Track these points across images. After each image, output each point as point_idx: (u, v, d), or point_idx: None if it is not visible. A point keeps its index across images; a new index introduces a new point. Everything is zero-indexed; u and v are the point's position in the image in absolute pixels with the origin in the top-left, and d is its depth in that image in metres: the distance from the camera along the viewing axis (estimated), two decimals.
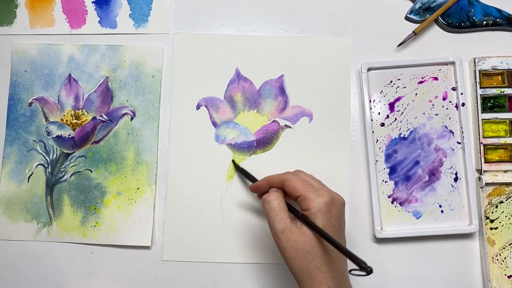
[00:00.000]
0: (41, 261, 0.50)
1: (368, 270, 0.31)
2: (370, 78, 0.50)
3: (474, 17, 0.50)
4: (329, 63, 0.51)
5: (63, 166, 0.51)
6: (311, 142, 0.50)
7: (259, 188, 0.44)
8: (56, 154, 0.51)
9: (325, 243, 0.37)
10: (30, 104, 0.52)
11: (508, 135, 0.49)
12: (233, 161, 0.50)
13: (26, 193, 0.51)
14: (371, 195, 0.48)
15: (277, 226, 0.38)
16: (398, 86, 0.50)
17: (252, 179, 0.47)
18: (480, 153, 0.48)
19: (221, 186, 0.50)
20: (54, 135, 0.51)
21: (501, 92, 0.49)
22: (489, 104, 0.49)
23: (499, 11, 0.50)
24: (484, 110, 0.49)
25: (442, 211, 0.49)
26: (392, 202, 0.49)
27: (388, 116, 0.50)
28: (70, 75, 0.52)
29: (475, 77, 0.49)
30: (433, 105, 0.50)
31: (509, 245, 0.48)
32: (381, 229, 0.48)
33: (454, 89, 0.50)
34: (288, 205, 0.40)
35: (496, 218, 0.48)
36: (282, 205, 0.39)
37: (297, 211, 0.39)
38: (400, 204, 0.49)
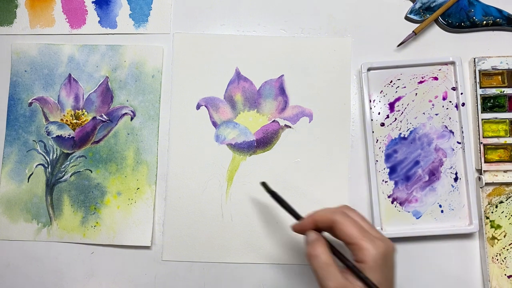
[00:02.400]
0: (41, 261, 0.50)
1: None
2: (370, 78, 0.50)
3: (474, 17, 0.50)
4: (329, 63, 0.51)
5: (63, 166, 0.51)
6: (311, 142, 0.50)
7: (304, 228, 0.38)
8: (56, 154, 0.51)
9: None
10: (30, 104, 0.52)
11: (508, 135, 0.49)
12: (263, 183, 0.44)
13: (26, 193, 0.51)
14: (371, 195, 0.48)
15: (329, 284, 0.34)
16: (398, 86, 0.50)
17: (292, 211, 0.41)
18: (480, 153, 0.48)
19: (221, 186, 0.50)
20: (54, 135, 0.51)
21: (501, 92, 0.49)
22: (489, 104, 0.49)
23: (499, 11, 0.50)
24: (484, 110, 0.49)
25: (442, 211, 0.49)
26: (392, 202, 0.49)
27: (388, 116, 0.50)
28: (70, 75, 0.52)
29: (475, 77, 0.49)
30: (433, 105, 0.50)
31: (509, 245, 0.48)
32: (381, 229, 0.48)
33: (454, 89, 0.50)
34: (338, 252, 0.37)
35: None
36: (331, 260, 0.35)
37: (347, 261, 0.35)
38: (400, 204, 0.49)
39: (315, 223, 0.38)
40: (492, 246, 0.48)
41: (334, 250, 0.37)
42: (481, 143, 0.48)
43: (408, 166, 0.49)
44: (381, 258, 0.34)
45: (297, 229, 0.40)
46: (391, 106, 0.50)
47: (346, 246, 0.36)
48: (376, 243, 0.34)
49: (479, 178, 0.48)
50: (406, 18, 0.51)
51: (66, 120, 0.52)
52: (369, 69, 0.50)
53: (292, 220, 0.41)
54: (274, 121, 0.51)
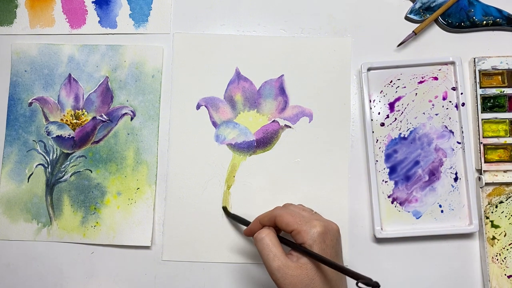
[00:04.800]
0: (41, 261, 0.50)
1: (375, 285, 0.31)
2: (370, 78, 0.50)
3: (474, 17, 0.50)
4: (329, 63, 0.51)
5: (63, 166, 0.51)
6: (311, 142, 0.50)
7: (253, 231, 0.42)
8: (56, 154, 0.51)
9: (321, 274, 0.37)
10: (30, 104, 0.52)
11: (508, 135, 0.49)
12: (224, 208, 0.50)
13: (26, 193, 0.51)
14: (371, 195, 0.48)
15: (273, 264, 0.37)
16: (398, 86, 0.50)
17: (245, 222, 0.46)
18: (480, 153, 0.48)
19: (221, 186, 0.50)
20: (54, 135, 0.51)
21: (501, 92, 0.49)
22: (489, 104, 0.49)
23: (499, 11, 0.50)
24: (484, 110, 0.49)
25: (442, 211, 0.49)
26: (392, 202, 0.49)
27: (388, 116, 0.50)
28: (70, 75, 0.52)
29: (475, 77, 0.49)
30: (433, 105, 0.50)
31: (509, 245, 0.48)
32: (381, 229, 0.48)
33: (454, 89, 0.50)
34: (283, 238, 0.39)
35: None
36: (274, 241, 0.38)
37: (293, 242, 0.38)
38: (400, 204, 0.49)
39: (261, 222, 0.41)
40: (492, 246, 0.48)
41: (280, 238, 0.39)
42: (481, 143, 0.48)
43: (408, 166, 0.49)
44: (318, 236, 0.37)
45: (247, 233, 0.43)
46: (391, 106, 0.50)
47: (291, 236, 0.39)
48: (312, 223, 0.37)
49: (479, 178, 0.48)
50: (406, 18, 0.51)
51: (66, 120, 0.52)
52: (369, 69, 0.50)
53: None
54: (274, 121, 0.51)
